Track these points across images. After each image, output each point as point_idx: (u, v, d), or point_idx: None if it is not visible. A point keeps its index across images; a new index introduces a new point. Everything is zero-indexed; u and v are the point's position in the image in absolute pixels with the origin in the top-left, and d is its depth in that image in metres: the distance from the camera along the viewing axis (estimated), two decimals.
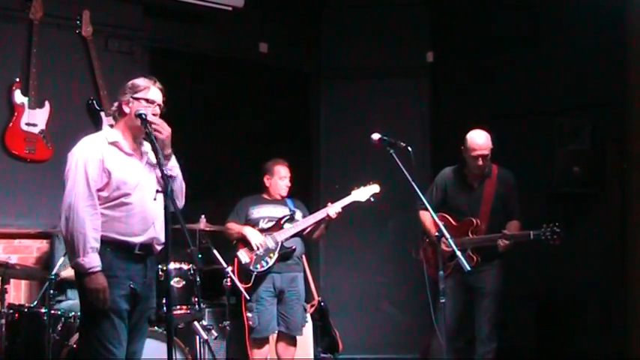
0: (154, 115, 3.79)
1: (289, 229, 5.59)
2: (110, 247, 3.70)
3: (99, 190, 3.70)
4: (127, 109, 3.84)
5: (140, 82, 3.87)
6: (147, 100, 3.82)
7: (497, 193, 5.19)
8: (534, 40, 6.69)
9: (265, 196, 5.77)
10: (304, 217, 5.70)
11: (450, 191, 5.29)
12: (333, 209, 5.54)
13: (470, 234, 5.11)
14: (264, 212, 5.67)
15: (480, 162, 5.11)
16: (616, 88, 5.90)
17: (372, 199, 5.63)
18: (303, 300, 5.73)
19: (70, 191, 3.68)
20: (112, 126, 4.04)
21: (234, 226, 5.62)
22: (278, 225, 5.61)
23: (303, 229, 5.64)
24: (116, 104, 3.90)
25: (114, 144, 3.80)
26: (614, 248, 5.98)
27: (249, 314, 5.45)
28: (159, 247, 3.88)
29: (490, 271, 5.11)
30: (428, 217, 5.17)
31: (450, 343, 5.05)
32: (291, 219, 5.65)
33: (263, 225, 5.61)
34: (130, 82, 3.89)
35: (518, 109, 6.78)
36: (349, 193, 5.64)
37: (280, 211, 5.69)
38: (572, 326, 6.36)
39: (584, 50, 6.28)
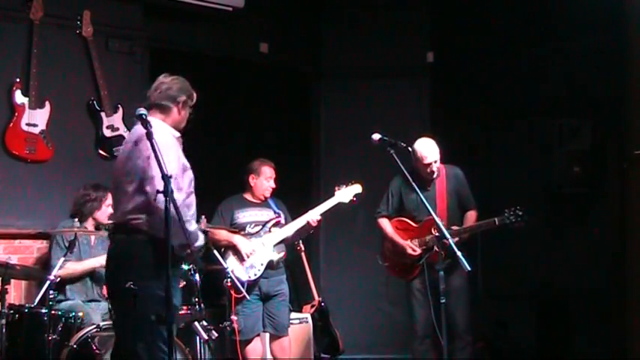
0: None
1: (277, 234, 5.55)
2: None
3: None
4: (182, 112, 3.86)
5: (193, 92, 3.90)
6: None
7: (450, 190, 5.38)
8: (534, 40, 6.69)
9: (248, 196, 5.68)
10: (285, 218, 5.67)
11: (405, 196, 5.44)
12: (312, 217, 5.53)
13: (433, 231, 5.22)
14: (250, 217, 5.60)
15: (432, 169, 5.30)
16: (616, 87, 5.90)
17: (354, 199, 5.63)
18: (289, 301, 5.71)
19: (171, 170, 3.49)
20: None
21: (222, 234, 5.51)
22: (266, 230, 5.56)
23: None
24: (163, 101, 3.84)
25: (178, 139, 3.81)
26: (613, 248, 5.98)
27: (235, 317, 5.40)
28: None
29: (456, 267, 5.13)
30: (387, 225, 5.48)
31: (424, 343, 5.31)
32: (278, 222, 5.60)
33: (250, 230, 5.55)
34: (184, 88, 3.87)
35: (518, 109, 6.78)
36: (333, 194, 5.64)
37: (266, 215, 5.62)
38: (573, 326, 6.37)
39: (584, 50, 6.29)
